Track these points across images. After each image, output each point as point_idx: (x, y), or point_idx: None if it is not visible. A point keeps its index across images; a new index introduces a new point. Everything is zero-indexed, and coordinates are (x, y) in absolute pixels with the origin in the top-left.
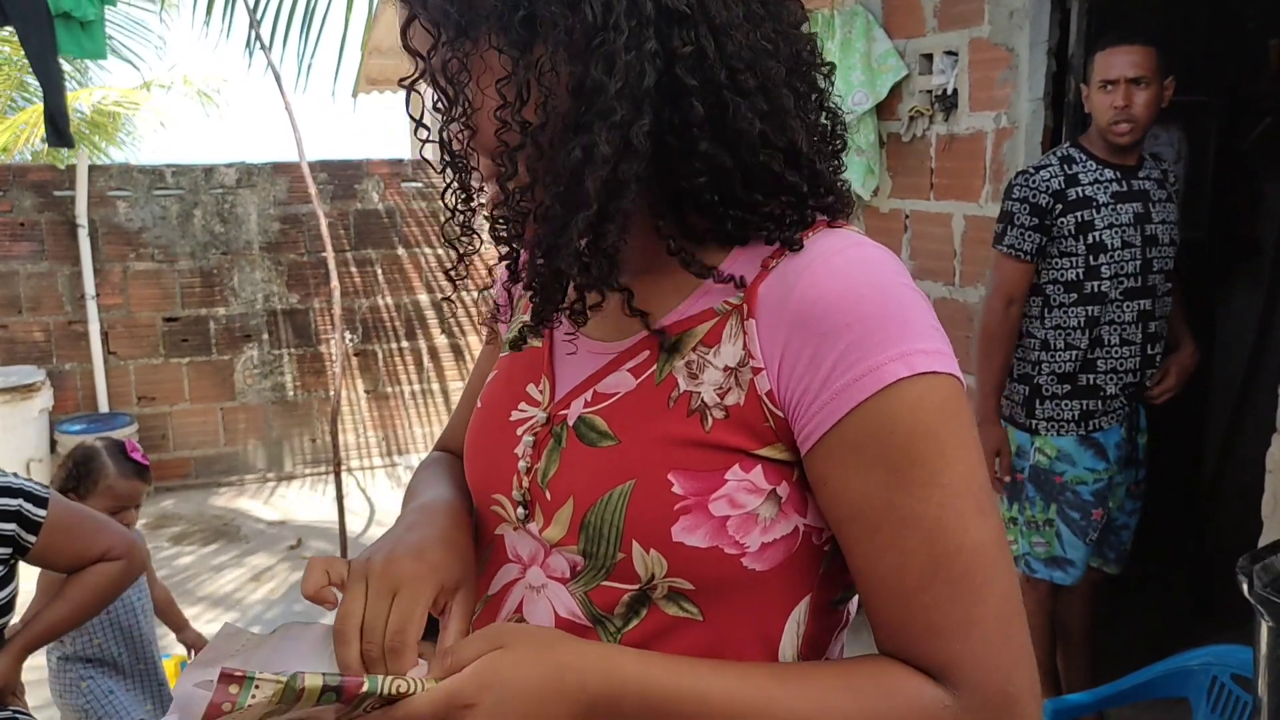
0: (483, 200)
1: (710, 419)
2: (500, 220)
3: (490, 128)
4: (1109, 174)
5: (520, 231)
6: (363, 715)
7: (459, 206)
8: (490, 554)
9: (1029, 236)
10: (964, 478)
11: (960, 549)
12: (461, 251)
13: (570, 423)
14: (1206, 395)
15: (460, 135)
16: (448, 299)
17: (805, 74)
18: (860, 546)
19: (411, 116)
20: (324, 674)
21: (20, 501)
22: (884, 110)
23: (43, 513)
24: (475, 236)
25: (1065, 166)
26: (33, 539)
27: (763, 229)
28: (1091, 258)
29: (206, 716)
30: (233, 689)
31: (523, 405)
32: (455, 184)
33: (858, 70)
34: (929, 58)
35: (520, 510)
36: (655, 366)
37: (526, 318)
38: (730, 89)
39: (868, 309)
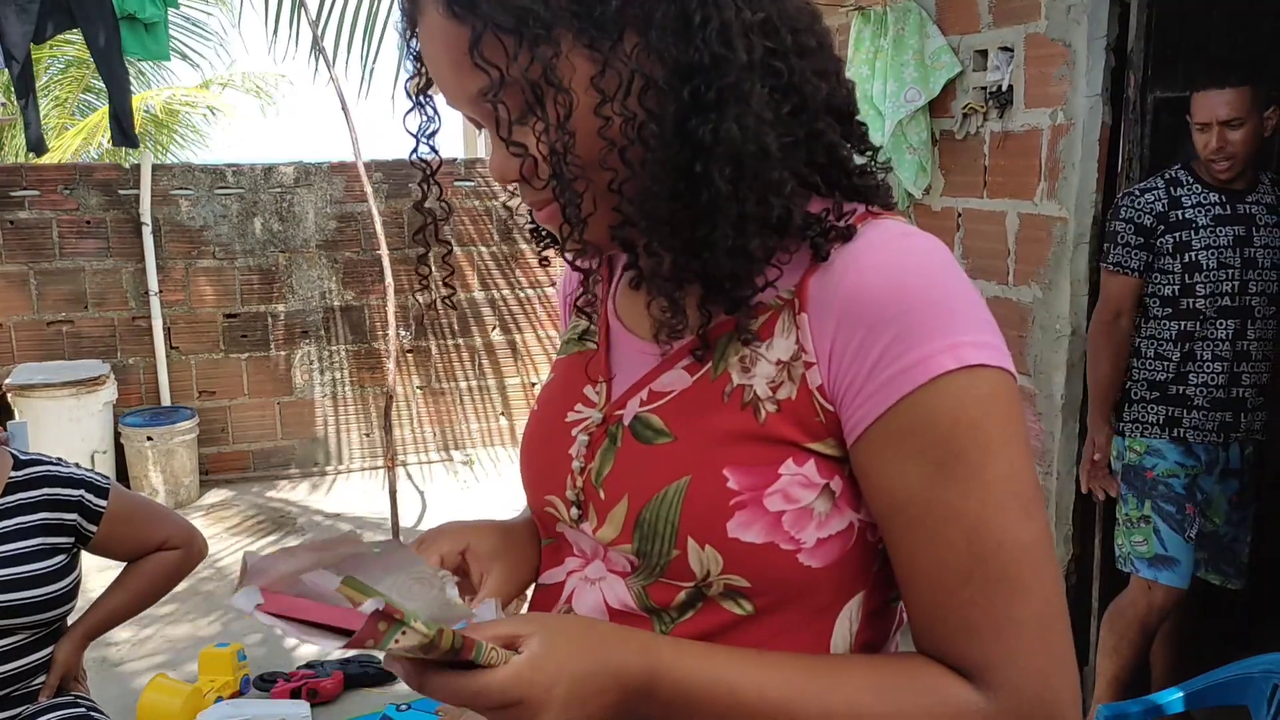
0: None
1: (763, 412)
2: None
3: (591, 128)
4: (1213, 197)
5: (617, 238)
6: (438, 657)
7: (574, 222)
8: (557, 546)
9: (1135, 254)
10: (1008, 475)
11: (1000, 546)
12: (588, 272)
13: (626, 422)
14: None
15: (559, 145)
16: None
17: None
18: (900, 541)
19: (409, 131)
20: (454, 630)
21: (82, 492)
22: (937, 107)
23: (103, 503)
24: (593, 252)
25: (1170, 189)
26: (94, 529)
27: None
28: (1187, 276)
29: (353, 644)
30: (381, 626)
31: (579, 407)
32: (564, 199)
33: (910, 67)
34: (983, 54)
35: (574, 510)
36: (710, 363)
37: (582, 321)
38: (795, 54)
39: (914, 300)
